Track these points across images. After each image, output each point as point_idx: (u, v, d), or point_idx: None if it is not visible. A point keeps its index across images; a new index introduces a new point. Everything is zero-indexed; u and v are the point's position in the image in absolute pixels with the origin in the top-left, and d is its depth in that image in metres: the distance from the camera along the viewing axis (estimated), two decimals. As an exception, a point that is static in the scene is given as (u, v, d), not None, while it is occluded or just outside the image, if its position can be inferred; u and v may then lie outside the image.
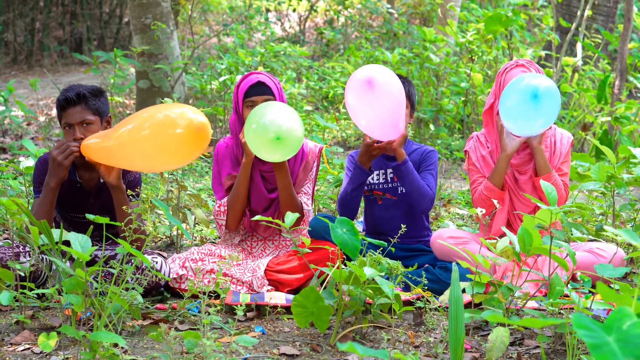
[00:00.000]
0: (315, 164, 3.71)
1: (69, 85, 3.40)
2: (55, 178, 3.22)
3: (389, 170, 3.78)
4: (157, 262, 3.27)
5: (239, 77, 7.15)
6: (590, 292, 3.19)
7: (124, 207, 3.12)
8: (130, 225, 2.88)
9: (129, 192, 3.30)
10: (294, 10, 12.18)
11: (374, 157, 3.65)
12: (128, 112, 8.08)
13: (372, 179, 3.82)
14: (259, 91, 3.54)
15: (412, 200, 3.69)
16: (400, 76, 3.77)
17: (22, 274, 3.00)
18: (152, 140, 2.99)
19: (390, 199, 3.78)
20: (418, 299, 3.21)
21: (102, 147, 3.13)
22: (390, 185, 3.78)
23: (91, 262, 3.31)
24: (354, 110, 3.50)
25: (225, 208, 3.59)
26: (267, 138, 3.25)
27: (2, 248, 3.19)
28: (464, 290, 3.04)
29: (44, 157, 3.41)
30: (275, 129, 3.25)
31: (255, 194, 3.63)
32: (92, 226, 2.97)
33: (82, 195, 3.43)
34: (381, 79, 3.42)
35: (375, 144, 3.60)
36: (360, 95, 3.43)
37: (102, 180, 3.40)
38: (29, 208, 3.83)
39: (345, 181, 3.80)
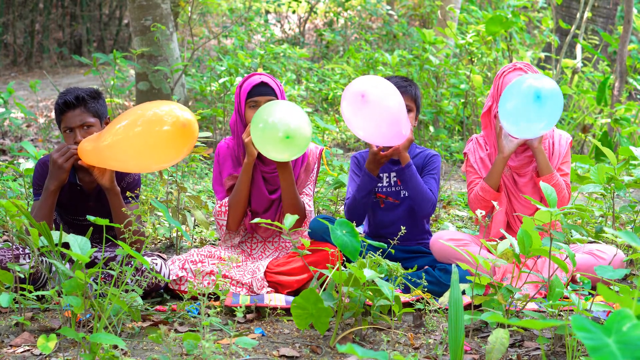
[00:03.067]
0: (316, 165, 3.71)
1: (66, 89, 3.40)
2: (56, 181, 3.22)
3: (393, 174, 3.78)
4: (156, 264, 3.27)
5: (238, 79, 7.16)
6: (590, 293, 3.19)
7: (123, 209, 3.12)
8: (130, 227, 2.88)
9: (128, 193, 3.30)
10: (294, 12, 12.18)
11: (381, 164, 3.65)
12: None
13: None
14: (262, 92, 3.54)
15: (414, 205, 3.69)
16: (406, 79, 3.75)
17: (22, 276, 3.00)
18: (142, 138, 3.01)
19: (393, 202, 3.78)
20: (418, 300, 3.21)
21: (96, 147, 3.13)
22: (393, 188, 3.78)
23: (91, 264, 3.31)
24: (349, 122, 3.49)
25: (227, 208, 3.59)
26: (276, 137, 3.25)
27: (1, 250, 3.19)
28: (463, 292, 3.04)
29: (43, 159, 3.40)
30: (285, 128, 3.24)
31: (256, 195, 3.63)
32: (91, 228, 2.97)
33: (82, 198, 3.43)
34: (375, 92, 3.39)
35: (381, 152, 3.59)
36: (355, 108, 3.42)
37: None
38: (29, 210, 3.83)
39: (350, 184, 3.79)
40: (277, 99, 3.55)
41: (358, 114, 3.42)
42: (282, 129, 3.24)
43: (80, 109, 3.29)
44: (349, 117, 3.46)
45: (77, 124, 3.28)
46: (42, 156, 3.49)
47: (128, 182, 3.44)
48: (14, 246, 3.14)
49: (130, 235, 2.81)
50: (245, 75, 7.74)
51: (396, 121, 3.45)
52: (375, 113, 3.40)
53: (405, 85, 3.69)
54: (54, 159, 3.21)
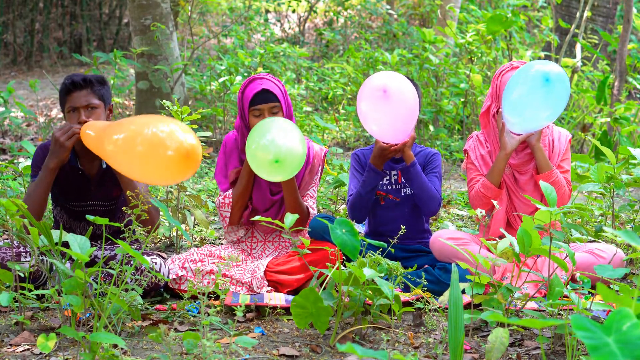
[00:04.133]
0: (320, 167, 3.71)
1: (72, 73, 3.43)
2: (56, 159, 3.23)
3: (393, 172, 3.78)
4: (156, 263, 3.27)
5: (239, 78, 7.15)
6: (589, 293, 3.19)
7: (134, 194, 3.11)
8: (130, 226, 2.88)
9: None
10: (294, 11, 12.18)
11: (387, 159, 3.65)
12: (128, 113, 8.08)
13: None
14: (265, 99, 3.50)
15: (420, 203, 3.68)
16: (407, 78, 3.75)
17: (22, 275, 3.00)
18: (144, 159, 2.77)
19: (393, 200, 3.78)
20: (417, 299, 3.21)
21: (98, 147, 3.09)
22: (394, 186, 3.78)
23: (91, 263, 3.31)
24: (366, 117, 3.48)
25: (230, 200, 3.58)
26: (267, 160, 3.21)
27: (2, 249, 3.19)
28: (463, 291, 3.04)
29: (45, 143, 3.43)
30: (275, 151, 3.19)
31: (258, 194, 3.62)
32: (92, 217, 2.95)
33: (84, 183, 3.43)
34: (396, 87, 3.40)
35: (391, 148, 3.58)
36: (374, 103, 3.41)
37: (103, 167, 3.43)
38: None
39: (352, 181, 3.78)
40: (281, 103, 3.52)
41: (377, 109, 3.41)
42: (273, 151, 3.19)
43: (87, 91, 3.32)
44: (366, 111, 3.45)
45: (83, 104, 3.31)
46: (43, 142, 3.50)
47: None
48: (14, 245, 3.14)
49: (140, 214, 2.78)
50: (246, 75, 7.77)
51: (412, 118, 3.47)
52: (394, 109, 3.40)
53: None
54: (57, 137, 3.21)
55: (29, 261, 3.11)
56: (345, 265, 3.08)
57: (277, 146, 3.20)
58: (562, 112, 3.43)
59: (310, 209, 3.60)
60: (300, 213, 3.53)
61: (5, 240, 3.38)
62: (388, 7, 11.16)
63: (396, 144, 3.57)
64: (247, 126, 3.55)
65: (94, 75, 3.40)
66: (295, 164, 3.27)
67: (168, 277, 3.34)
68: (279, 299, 3.26)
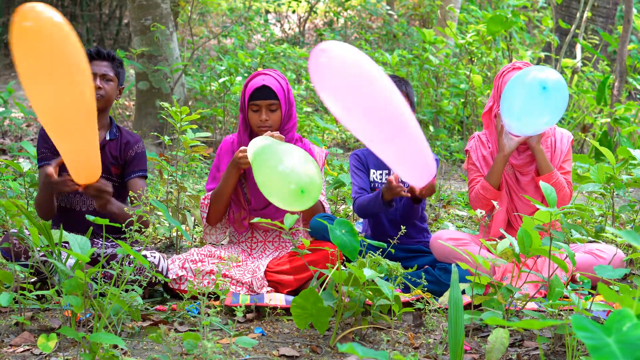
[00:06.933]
0: (322, 169, 3.71)
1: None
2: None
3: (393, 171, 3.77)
4: (155, 257, 3.28)
5: (238, 79, 7.16)
6: (590, 293, 3.19)
7: (125, 209, 3.12)
8: (132, 226, 2.87)
9: (138, 174, 3.45)
10: (294, 11, 12.18)
11: (397, 196, 3.53)
12: (128, 113, 8.08)
13: (376, 177, 3.81)
14: (264, 95, 3.50)
15: (401, 218, 3.74)
16: (395, 76, 3.72)
17: (22, 276, 3.00)
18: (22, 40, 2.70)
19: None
20: (418, 300, 3.21)
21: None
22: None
23: (92, 261, 3.32)
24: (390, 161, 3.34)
25: (209, 201, 3.58)
26: (289, 190, 2.86)
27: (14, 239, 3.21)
28: (463, 292, 3.04)
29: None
30: (296, 180, 2.84)
31: (256, 193, 3.61)
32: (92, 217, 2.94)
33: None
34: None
35: (401, 193, 3.46)
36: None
37: (107, 138, 3.51)
38: (29, 210, 3.83)
39: (355, 180, 3.78)
40: (281, 102, 3.52)
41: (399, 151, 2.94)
42: (295, 180, 2.85)
43: (108, 62, 3.49)
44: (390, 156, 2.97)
45: (101, 72, 3.46)
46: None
47: (137, 152, 3.53)
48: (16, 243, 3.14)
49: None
50: (246, 76, 7.77)
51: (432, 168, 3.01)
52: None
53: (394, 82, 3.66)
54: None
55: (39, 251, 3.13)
56: (345, 266, 3.08)
57: (298, 175, 2.88)
58: (561, 116, 3.40)
59: (324, 204, 3.60)
60: (317, 209, 3.54)
61: (5, 241, 3.38)
62: (388, 7, 11.16)
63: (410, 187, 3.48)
64: (246, 120, 3.56)
65: (116, 55, 3.57)
66: (315, 194, 2.92)
67: (167, 273, 3.33)
68: (279, 299, 3.26)
